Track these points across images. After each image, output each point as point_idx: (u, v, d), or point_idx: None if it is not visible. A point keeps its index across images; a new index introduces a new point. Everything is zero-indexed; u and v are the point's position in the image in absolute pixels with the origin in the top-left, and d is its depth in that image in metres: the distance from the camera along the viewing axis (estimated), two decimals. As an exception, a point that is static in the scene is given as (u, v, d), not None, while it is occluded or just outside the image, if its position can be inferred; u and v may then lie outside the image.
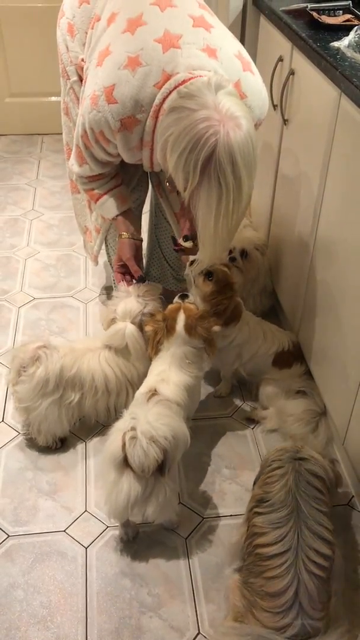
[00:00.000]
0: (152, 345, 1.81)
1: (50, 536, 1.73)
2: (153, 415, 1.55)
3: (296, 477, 1.51)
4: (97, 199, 1.96)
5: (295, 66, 1.99)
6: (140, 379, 1.91)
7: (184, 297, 1.89)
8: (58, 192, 3.33)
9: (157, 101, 1.62)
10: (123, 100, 1.62)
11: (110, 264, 2.39)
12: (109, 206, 1.96)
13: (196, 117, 1.45)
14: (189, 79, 1.58)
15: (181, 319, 1.78)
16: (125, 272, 2.04)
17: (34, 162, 3.65)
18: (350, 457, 1.85)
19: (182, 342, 1.78)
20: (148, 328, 1.83)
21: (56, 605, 1.58)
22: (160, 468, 1.54)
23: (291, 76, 2.01)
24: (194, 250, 1.84)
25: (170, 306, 1.86)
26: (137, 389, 1.85)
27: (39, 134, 3.93)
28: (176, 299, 1.89)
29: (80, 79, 2.00)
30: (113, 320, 1.96)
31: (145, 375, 1.86)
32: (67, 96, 2.10)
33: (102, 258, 2.52)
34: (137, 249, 2.01)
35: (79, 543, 1.72)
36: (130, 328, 1.92)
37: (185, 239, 1.83)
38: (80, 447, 1.98)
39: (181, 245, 1.82)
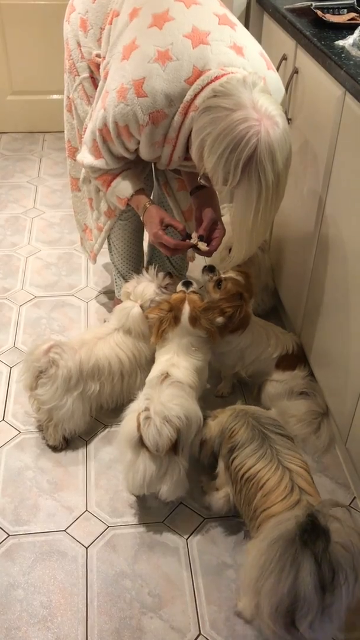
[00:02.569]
0: (156, 333, 1.84)
1: (51, 536, 1.72)
2: (166, 396, 1.62)
3: (255, 417, 1.64)
4: (112, 181, 1.92)
5: (299, 65, 1.98)
6: (147, 361, 1.97)
7: (187, 284, 1.91)
8: (59, 191, 3.32)
9: (187, 97, 1.62)
10: (153, 94, 1.62)
11: (113, 263, 2.38)
12: (125, 186, 1.91)
13: (235, 118, 1.48)
14: (222, 75, 1.59)
15: (186, 310, 1.82)
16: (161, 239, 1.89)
17: (36, 160, 3.64)
18: (353, 458, 1.84)
19: (187, 333, 1.82)
20: (152, 315, 1.85)
21: (56, 605, 1.57)
22: (174, 447, 1.61)
23: (295, 75, 2.00)
24: (207, 252, 1.86)
25: (174, 296, 1.88)
26: (145, 370, 1.92)
27: (40, 132, 3.92)
28: (180, 287, 1.91)
29: (92, 76, 1.99)
30: (127, 295, 2.02)
31: (151, 357, 1.93)
32: (75, 92, 2.08)
33: (102, 258, 2.51)
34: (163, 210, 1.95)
35: (80, 543, 1.71)
36: (136, 310, 1.96)
37: (200, 238, 1.84)
38: (81, 446, 1.97)
39: (197, 244, 1.83)
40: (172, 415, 1.58)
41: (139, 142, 1.76)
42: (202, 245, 1.84)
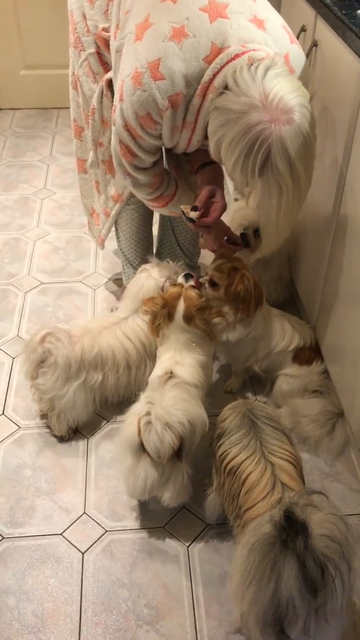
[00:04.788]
0: (150, 327, 1.76)
1: (47, 539, 1.65)
2: (169, 400, 1.53)
3: (249, 408, 1.54)
4: (168, 202, 1.87)
5: (318, 37, 1.82)
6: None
7: (188, 277, 1.80)
8: (71, 170, 3.19)
9: (206, 77, 1.50)
10: (171, 75, 1.49)
11: (121, 250, 2.28)
12: (183, 204, 1.86)
13: (246, 122, 1.40)
14: (243, 53, 1.47)
15: (180, 308, 1.71)
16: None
17: (49, 137, 3.53)
18: (367, 464, 1.73)
19: (182, 330, 1.72)
20: (146, 308, 1.76)
21: (49, 614, 1.50)
22: (178, 453, 1.52)
23: (314, 48, 1.85)
24: (203, 223, 1.75)
25: (170, 290, 1.78)
26: (155, 360, 1.82)
27: (54, 108, 3.78)
28: (180, 279, 1.80)
29: (99, 51, 1.86)
30: (143, 271, 1.97)
31: None
32: (80, 69, 1.97)
33: (112, 243, 2.40)
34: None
35: (76, 548, 1.63)
36: (150, 284, 1.90)
37: (194, 209, 1.74)
38: (81, 444, 1.89)
39: (187, 212, 1.73)
40: (174, 421, 1.49)
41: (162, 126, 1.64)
42: (193, 214, 1.72)
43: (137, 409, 1.56)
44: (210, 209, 1.75)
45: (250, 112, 1.40)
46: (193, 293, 1.72)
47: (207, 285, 1.86)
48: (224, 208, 1.77)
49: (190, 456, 1.60)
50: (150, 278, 1.91)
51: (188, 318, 1.69)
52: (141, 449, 1.52)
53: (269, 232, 1.62)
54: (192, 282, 1.77)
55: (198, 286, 1.81)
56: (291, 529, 1.13)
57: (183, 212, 1.73)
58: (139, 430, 1.50)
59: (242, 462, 1.44)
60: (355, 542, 1.22)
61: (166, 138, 1.64)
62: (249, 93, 1.41)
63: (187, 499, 1.64)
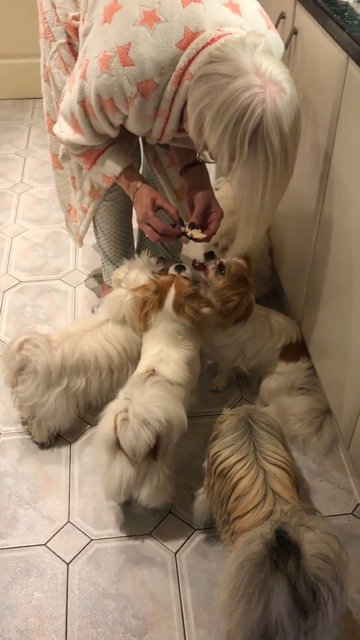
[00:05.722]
0: (138, 315, 1.71)
1: (30, 550, 1.61)
2: (148, 397, 1.49)
3: (249, 413, 1.49)
4: (97, 158, 1.75)
5: (298, 24, 1.76)
6: (139, 353, 1.81)
7: (180, 268, 1.76)
8: (48, 163, 3.02)
9: (181, 63, 1.44)
10: (141, 61, 1.44)
11: (100, 247, 2.22)
12: (113, 162, 1.74)
13: (237, 86, 1.30)
14: (219, 37, 1.41)
15: (171, 295, 1.67)
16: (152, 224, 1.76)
17: (25, 129, 3.43)
18: (356, 465, 1.70)
19: (171, 319, 1.67)
20: (136, 295, 1.71)
21: (34, 630, 1.46)
22: (154, 452, 1.49)
23: (294, 36, 1.79)
24: (206, 239, 1.72)
25: (163, 278, 1.74)
26: (137, 363, 1.76)
27: (30, 98, 3.69)
28: (171, 270, 1.76)
29: (69, 41, 1.79)
30: (118, 283, 1.88)
31: None
32: (51, 60, 1.90)
33: (91, 238, 2.34)
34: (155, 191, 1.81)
35: (60, 558, 1.59)
36: (129, 298, 1.81)
37: (192, 226, 1.70)
38: (64, 450, 1.84)
39: (192, 234, 1.69)
40: (151, 419, 1.45)
41: (125, 117, 1.57)
42: (197, 233, 1.69)
43: (114, 406, 1.52)
44: (207, 220, 1.71)
45: (240, 76, 1.31)
46: (185, 282, 1.69)
47: (214, 265, 1.81)
48: (222, 216, 1.72)
49: (169, 456, 1.55)
50: (129, 294, 1.80)
51: (177, 306, 1.65)
52: (117, 445, 1.48)
53: (250, 219, 1.50)
54: (184, 274, 1.74)
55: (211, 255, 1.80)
56: (283, 549, 1.08)
57: (185, 234, 1.68)
58: (115, 427, 1.47)
59: (233, 465, 1.40)
60: (348, 561, 1.18)
61: (134, 127, 1.59)
62: (239, 59, 1.32)
63: (166, 498, 1.60)
